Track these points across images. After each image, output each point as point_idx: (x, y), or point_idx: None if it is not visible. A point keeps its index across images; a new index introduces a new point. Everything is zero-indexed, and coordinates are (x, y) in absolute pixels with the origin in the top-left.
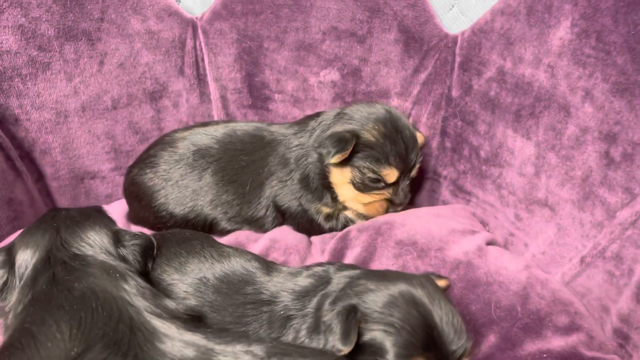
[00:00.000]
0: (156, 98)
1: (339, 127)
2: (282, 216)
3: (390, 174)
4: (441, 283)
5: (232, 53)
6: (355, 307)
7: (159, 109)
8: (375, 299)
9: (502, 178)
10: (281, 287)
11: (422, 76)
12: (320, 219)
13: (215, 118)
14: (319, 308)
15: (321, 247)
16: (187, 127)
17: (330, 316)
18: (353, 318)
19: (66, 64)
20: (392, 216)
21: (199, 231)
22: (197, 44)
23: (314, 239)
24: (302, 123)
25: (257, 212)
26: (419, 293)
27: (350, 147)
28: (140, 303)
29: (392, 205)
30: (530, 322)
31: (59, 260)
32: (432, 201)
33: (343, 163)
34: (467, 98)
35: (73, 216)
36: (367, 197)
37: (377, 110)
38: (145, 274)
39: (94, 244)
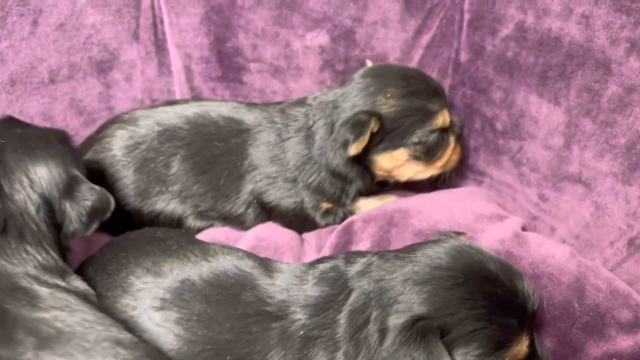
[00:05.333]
0: (105, 69)
1: (346, 114)
2: (268, 214)
3: (443, 116)
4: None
5: (197, 13)
6: (419, 317)
7: (108, 83)
8: (435, 295)
9: (522, 153)
10: (288, 296)
11: (426, 38)
12: (317, 216)
13: (177, 93)
14: (355, 332)
15: (316, 243)
16: (150, 106)
17: (392, 345)
18: (431, 333)
19: None
20: (404, 202)
21: (175, 229)
22: (155, 1)
23: (307, 235)
24: (286, 112)
25: (235, 208)
26: (473, 260)
27: (368, 129)
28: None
29: (459, 140)
30: (591, 321)
31: None
32: (436, 186)
33: (388, 148)
34: (478, 62)
35: (29, 137)
36: (440, 160)
37: (373, 75)
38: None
39: (37, 184)
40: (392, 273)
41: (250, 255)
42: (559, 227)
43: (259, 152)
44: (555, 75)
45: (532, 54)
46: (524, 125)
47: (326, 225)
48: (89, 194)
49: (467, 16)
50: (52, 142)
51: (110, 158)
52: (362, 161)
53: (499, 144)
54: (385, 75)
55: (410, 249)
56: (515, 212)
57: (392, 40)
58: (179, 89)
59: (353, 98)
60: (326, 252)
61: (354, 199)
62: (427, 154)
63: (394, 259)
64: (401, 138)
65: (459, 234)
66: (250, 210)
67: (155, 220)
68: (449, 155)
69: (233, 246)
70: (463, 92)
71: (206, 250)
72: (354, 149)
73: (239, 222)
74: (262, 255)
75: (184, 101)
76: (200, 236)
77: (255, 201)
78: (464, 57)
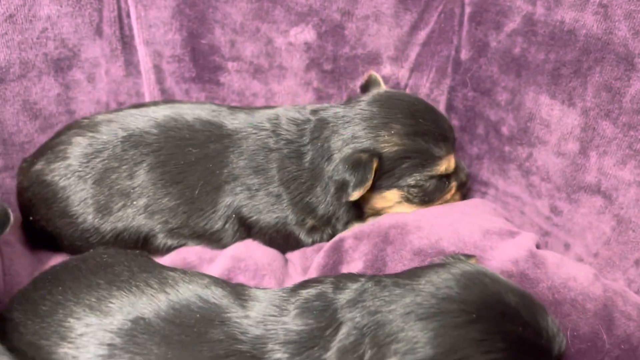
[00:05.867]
0: (63, 68)
1: (346, 148)
2: (247, 230)
3: (448, 162)
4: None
5: (168, 5)
6: None
7: (67, 83)
8: (443, 334)
9: (531, 160)
10: (265, 330)
11: (422, 34)
12: (302, 233)
13: (146, 95)
14: None
15: (302, 264)
16: (114, 110)
17: None
18: None
19: None
20: (401, 216)
21: (127, 250)
22: None
23: (291, 255)
24: (279, 119)
25: (211, 224)
26: (488, 291)
27: (371, 174)
28: None
29: (461, 188)
30: (622, 355)
31: None
32: None
33: (381, 188)
34: (481, 60)
35: None
36: (435, 204)
37: (380, 105)
38: None
39: None
40: (391, 304)
41: (217, 281)
42: (574, 243)
43: (241, 161)
44: (569, 72)
45: (542, 50)
46: (533, 129)
47: (312, 243)
48: None
49: (468, 9)
50: None
51: (65, 168)
52: None
53: (505, 150)
54: (393, 108)
55: (413, 275)
56: (524, 226)
57: (385, 36)
58: (149, 91)
59: (354, 127)
60: (312, 274)
61: (346, 225)
62: (422, 198)
63: (393, 286)
64: (397, 179)
65: (468, 256)
66: (228, 226)
67: (119, 239)
68: (447, 201)
69: (197, 271)
70: (464, 93)
71: (164, 278)
72: (355, 195)
73: (215, 240)
74: (240, 277)
75: (154, 103)
76: (169, 257)
77: (234, 216)
78: (465, 54)
